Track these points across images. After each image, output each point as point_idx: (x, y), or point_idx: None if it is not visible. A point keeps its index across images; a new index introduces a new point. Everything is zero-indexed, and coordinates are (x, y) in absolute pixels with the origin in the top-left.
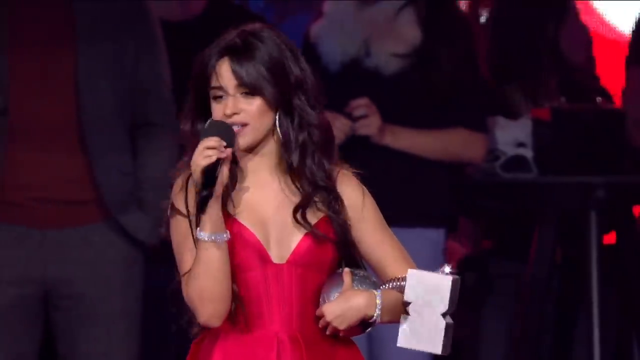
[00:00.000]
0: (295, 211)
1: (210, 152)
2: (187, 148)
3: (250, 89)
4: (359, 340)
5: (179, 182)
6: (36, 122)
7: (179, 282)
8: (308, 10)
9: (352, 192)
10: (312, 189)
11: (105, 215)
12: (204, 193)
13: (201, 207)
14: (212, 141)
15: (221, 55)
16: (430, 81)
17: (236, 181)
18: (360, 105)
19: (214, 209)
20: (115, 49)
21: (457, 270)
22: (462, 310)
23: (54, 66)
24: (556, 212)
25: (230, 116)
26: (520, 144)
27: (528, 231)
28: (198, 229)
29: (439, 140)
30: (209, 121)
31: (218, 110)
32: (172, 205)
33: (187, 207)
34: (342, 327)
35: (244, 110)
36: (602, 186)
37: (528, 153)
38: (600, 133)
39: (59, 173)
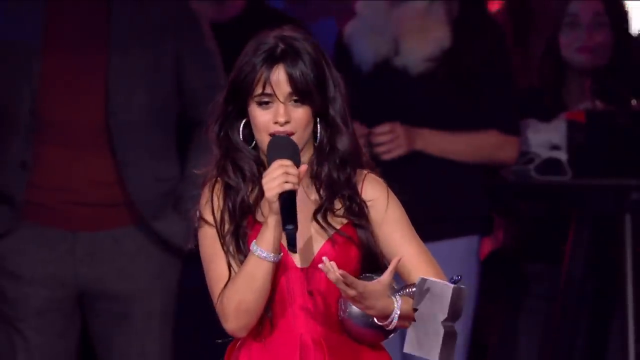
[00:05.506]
0: (315, 214)
1: (289, 177)
2: (214, 152)
3: (301, 97)
4: (393, 351)
5: (205, 193)
6: (66, 124)
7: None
8: (329, 14)
9: (376, 194)
10: (336, 195)
11: (137, 219)
12: (290, 227)
13: (291, 241)
14: (291, 167)
15: (272, 62)
16: (458, 80)
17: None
18: (384, 132)
19: (277, 229)
20: (152, 50)
21: (472, 276)
22: (493, 312)
23: (86, 68)
24: (591, 214)
25: (282, 124)
26: (555, 147)
27: (561, 234)
28: (254, 244)
29: (471, 143)
30: (275, 139)
31: (264, 117)
32: (200, 216)
33: (214, 217)
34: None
35: (293, 119)
36: (637, 189)
37: (562, 156)
38: (635, 135)
39: (88, 175)
